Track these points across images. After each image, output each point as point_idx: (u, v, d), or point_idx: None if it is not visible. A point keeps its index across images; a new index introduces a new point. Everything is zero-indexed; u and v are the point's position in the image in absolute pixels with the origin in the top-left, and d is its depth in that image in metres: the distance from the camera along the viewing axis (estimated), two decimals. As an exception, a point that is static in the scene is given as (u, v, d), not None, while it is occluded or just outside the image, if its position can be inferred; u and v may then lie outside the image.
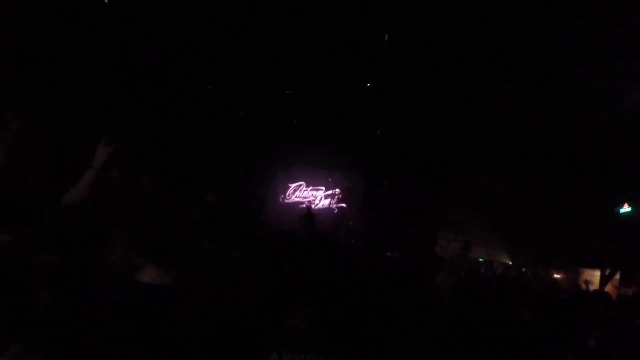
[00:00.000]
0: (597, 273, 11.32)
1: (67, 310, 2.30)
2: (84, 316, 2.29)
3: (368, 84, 11.56)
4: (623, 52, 7.64)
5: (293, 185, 25.06)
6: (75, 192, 3.02)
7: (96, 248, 2.92)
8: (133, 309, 2.25)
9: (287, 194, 25.12)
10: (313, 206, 23.27)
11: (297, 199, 24.93)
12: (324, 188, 24.69)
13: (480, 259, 12.08)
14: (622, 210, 11.34)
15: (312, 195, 24.75)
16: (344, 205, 24.33)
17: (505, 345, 3.47)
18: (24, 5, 8.54)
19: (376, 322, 3.17)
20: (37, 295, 2.28)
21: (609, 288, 10.82)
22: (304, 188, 25.01)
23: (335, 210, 24.38)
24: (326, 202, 24.45)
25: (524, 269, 7.98)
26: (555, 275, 11.61)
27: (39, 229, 2.60)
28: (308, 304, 2.76)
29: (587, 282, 9.42)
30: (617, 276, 10.99)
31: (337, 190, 24.54)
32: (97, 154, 3.25)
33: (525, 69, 9.02)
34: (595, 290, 8.39)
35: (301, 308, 2.71)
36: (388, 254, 11.23)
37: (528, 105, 10.07)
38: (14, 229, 2.59)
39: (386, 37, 9.63)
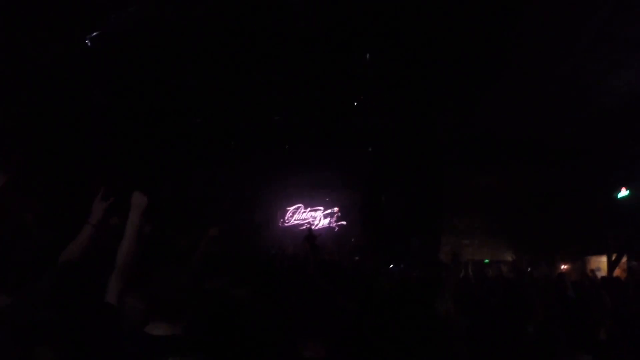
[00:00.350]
0: (604, 259, 11.34)
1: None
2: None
3: (355, 103, 11.63)
4: (605, 37, 7.73)
5: (291, 208, 25.05)
6: (73, 248, 3.01)
7: (99, 301, 2.90)
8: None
9: (286, 217, 25.09)
10: (313, 227, 23.23)
11: (296, 222, 24.90)
12: (322, 208, 24.69)
13: (486, 260, 12.06)
14: (620, 195, 11.40)
15: (311, 216, 24.71)
16: (344, 222, 24.33)
17: (516, 348, 3.46)
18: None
19: (388, 346, 3.17)
20: (41, 355, 2.27)
21: (617, 272, 10.84)
22: (302, 210, 24.99)
23: (336, 229, 24.36)
24: (326, 221, 24.41)
25: (529, 269, 7.92)
26: (562, 267, 11.61)
27: (40, 286, 2.59)
28: (321, 334, 2.74)
29: (593, 272, 9.40)
30: (624, 259, 11.02)
31: (336, 209, 24.53)
32: (94, 209, 3.22)
33: (511, 65, 9.07)
34: (603, 278, 8.37)
35: (315, 338, 2.69)
36: (392, 267, 11.21)
37: (518, 99, 10.13)
38: (14, 287, 2.58)
39: (367, 55, 9.73)
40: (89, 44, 10.01)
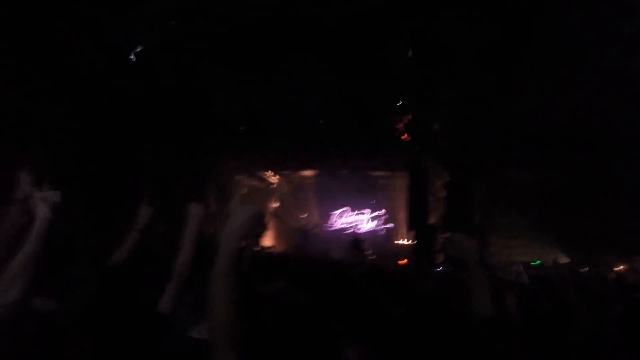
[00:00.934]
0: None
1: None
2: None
3: (399, 102, 11.54)
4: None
5: (337, 212, 25.04)
6: (121, 254, 3.07)
7: (148, 306, 2.95)
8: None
9: (331, 222, 25.08)
10: (359, 230, 23.18)
11: (342, 225, 24.87)
12: (369, 211, 24.60)
13: (536, 262, 11.71)
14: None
15: (358, 220, 24.65)
16: (391, 225, 24.15)
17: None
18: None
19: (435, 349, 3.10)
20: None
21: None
22: (349, 213, 24.95)
23: (383, 232, 24.20)
24: (373, 224, 24.33)
25: (586, 268, 7.64)
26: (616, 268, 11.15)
27: (88, 292, 2.64)
28: (365, 338, 2.71)
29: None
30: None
31: (383, 211, 24.40)
32: (140, 214, 3.27)
33: (548, 59, 8.84)
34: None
35: (358, 343, 2.66)
36: (437, 269, 11.02)
37: (558, 95, 9.85)
38: (61, 293, 2.64)
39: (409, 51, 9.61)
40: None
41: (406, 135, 13.78)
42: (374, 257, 12.58)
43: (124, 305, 2.67)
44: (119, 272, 2.91)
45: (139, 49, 9.26)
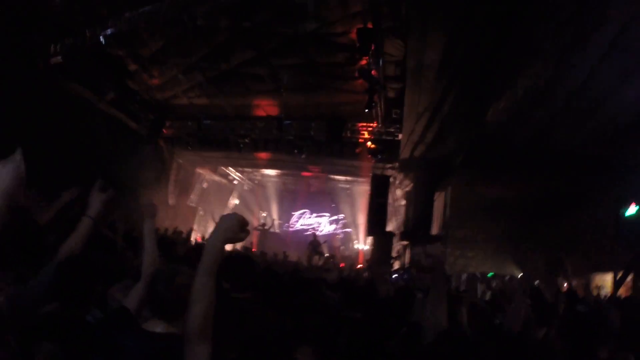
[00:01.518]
0: (609, 277, 11.17)
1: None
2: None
3: (366, 110, 11.62)
4: (617, 47, 7.67)
5: (297, 213, 25.15)
6: (74, 241, 2.99)
7: (100, 296, 2.93)
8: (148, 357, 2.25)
9: (291, 222, 25.18)
10: (318, 232, 23.30)
11: (301, 226, 24.99)
12: (328, 214, 24.78)
13: (491, 274, 11.97)
14: (628, 212, 11.24)
15: (317, 222, 24.81)
16: (349, 230, 24.40)
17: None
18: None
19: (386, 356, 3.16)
20: (42, 349, 2.28)
21: (622, 291, 10.66)
22: (308, 215, 25.09)
23: (341, 235, 24.43)
24: (331, 227, 24.52)
25: (536, 282, 7.85)
26: (572, 283, 11.45)
27: (42, 280, 2.59)
28: (315, 340, 2.74)
29: (599, 288, 9.27)
30: (630, 278, 10.81)
31: (342, 216, 24.62)
32: (91, 201, 3.18)
33: (522, 73, 9.02)
34: (609, 298, 8.26)
35: (308, 344, 2.69)
36: (396, 277, 11.19)
37: (525, 109, 10.06)
38: (16, 280, 2.59)
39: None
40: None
41: (370, 143, 13.91)
42: (331, 260, 12.69)
43: (80, 293, 2.66)
44: (74, 259, 2.86)
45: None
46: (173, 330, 2.31)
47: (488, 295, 7.79)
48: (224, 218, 2.04)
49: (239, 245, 8.87)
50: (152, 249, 3.03)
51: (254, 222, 23.46)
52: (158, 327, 2.36)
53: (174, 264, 3.18)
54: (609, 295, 9.42)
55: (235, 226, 1.99)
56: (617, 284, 11.16)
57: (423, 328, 3.24)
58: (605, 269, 11.19)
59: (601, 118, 9.79)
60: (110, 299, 3.06)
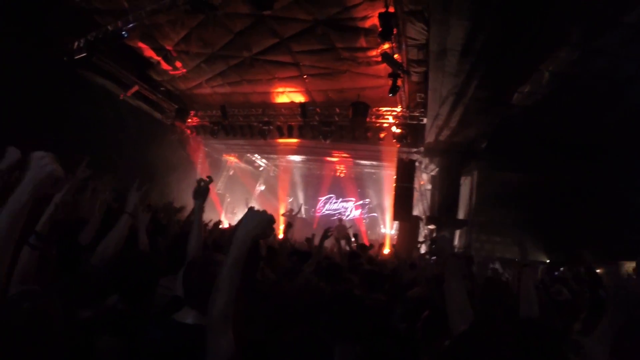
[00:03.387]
0: (634, 265, 10.94)
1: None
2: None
3: (390, 94, 11.50)
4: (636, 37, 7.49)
5: (323, 198, 25.16)
6: (114, 237, 3.03)
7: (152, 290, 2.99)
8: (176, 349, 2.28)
9: (317, 207, 25.22)
10: (344, 217, 23.30)
11: (328, 212, 25.01)
12: (354, 199, 24.73)
13: (517, 259, 11.84)
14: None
15: (343, 207, 24.80)
16: (375, 214, 24.33)
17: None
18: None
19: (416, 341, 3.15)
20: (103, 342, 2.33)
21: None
22: (334, 200, 25.08)
23: (367, 220, 24.39)
24: (357, 212, 24.49)
25: (562, 269, 7.74)
26: (597, 270, 11.24)
27: (88, 275, 2.66)
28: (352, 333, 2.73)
29: (629, 274, 9.08)
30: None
31: (368, 200, 24.56)
32: (129, 198, 3.27)
33: (546, 58, 8.85)
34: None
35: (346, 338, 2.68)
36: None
37: (551, 93, 9.89)
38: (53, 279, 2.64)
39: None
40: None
41: (395, 128, 13.80)
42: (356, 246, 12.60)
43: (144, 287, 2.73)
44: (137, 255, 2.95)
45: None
46: (203, 321, 2.32)
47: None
48: (252, 214, 2.11)
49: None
50: (199, 235, 3.13)
51: (280, 208, 23.62)
52: (189, 317, 2.39)
53: (207, 251, 3.22)
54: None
55: (264, 224, 2.09)
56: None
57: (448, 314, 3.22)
58: (633, 257, 10.97)
59: (627, 105, 9.56)
60: (162, 289, 3.11)
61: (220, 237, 6.28)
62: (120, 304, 2.69)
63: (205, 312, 2.09)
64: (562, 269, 8.40)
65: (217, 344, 1.95)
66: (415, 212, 16.74)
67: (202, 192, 3.32)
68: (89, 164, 3.59)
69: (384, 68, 10.87)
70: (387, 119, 14.08)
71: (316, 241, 6.23)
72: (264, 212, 2.13)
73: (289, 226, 9.67)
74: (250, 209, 2.14)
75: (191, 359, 2.13)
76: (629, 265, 10.66)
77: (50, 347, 1.74)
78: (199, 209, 3.28)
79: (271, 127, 15.44)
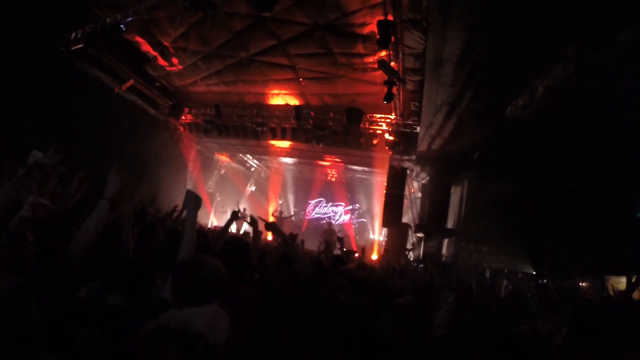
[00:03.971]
0: (623, 280, 10.96)
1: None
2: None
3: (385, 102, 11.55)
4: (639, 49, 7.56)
5: (313, 202, 25.19)
6: (93, 223, 2.96)
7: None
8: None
9: (307, 210, 25.23)
10: (333, 222, 23.33)
11: (317, 215, 25.03)
12: (343, 204, 24.77)
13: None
14: (641, 214, 11.11)
15: (332, 211, 24.83)
16: (364, 220, 24.38)
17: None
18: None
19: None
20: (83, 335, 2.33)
21: (636, 295, 10.52)
22: (324, 204, 25.11)
23: (356, 225, 24.44)
24: (346, 217, 24.52)
25: (545, 280, 7.81)
26: (580, 284, 11.36)
27: (62, 262, 2.64)
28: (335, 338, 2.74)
29: (614, 290, 9.14)
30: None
31: (357, 206, 24.61)
32: (108, 183, 3.17)
33: (541, 72, 8.92)
34: (620, 292, 8.14)
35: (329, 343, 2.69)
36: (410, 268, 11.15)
37: (544, 110, 9.98)
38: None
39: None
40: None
41: (388, 135, 13.87)
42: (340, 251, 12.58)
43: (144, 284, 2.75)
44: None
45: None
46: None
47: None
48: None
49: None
50: (191, 239, 3.15)
51: (270, 209, 23.62)
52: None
53: (199, 253, 3.20)
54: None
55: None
56: (630, 287, 11.01)
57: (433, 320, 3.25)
58: (619, 272, 11.06)
59: (620, 120, 9.65)
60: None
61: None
62: (118, 299, 2.70)
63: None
64: (545, 280, 8.47)
65: None
66: (405, 220, 16.82)
67: (194, 201, 3.31)
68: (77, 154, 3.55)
69: (380, 75, 10.90)
70: (381, 125, 14.14)
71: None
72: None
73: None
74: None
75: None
76: (615, 280, 10.74)
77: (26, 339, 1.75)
78: (193, 217, 3.28)
79: (264, 129, 15.44)
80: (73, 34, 11.11)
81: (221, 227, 9.71)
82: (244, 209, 20.87)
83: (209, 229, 14.21)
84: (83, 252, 2.72)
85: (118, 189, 3.16)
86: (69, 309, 2.53)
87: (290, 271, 4.45)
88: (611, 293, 8.21)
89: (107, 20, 10.76)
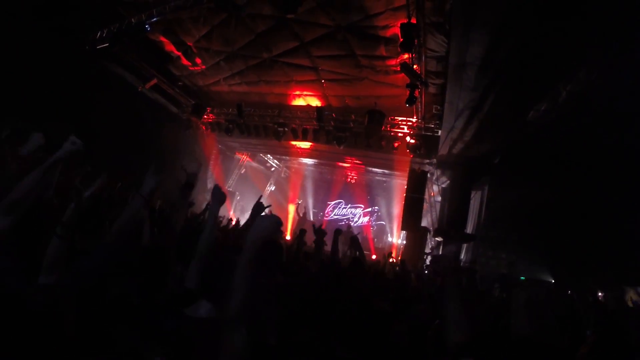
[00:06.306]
0: None
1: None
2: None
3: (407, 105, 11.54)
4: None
5: (332, 203, 25.22)
6: (127, 218, 3.01)
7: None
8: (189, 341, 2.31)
9: (326, 211, 25.27)
10: (352, 223, 23.31)
11: (336, 216, 25.05)
12: (362, 206, 24.76)
13: (522, 277, 11.79)
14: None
15: (351, 213, 24.83)
16: (383, 222, 24.33)
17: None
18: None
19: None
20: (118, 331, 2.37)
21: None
22: (343, 205, 25.12)
23: (375, 228, 24.41)
24: (365, 219, 24.51)
25: (569, 292, 7.70)
26: (599, 294, 11.20)
27: (99, 255, 2.68)
28: (354, 333, 2.76)
29: (633, 300, 9.03)
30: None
31: (376, 208, 24.58)
32: (145, 181, 3.23)
33: (564, 77, 8.82)
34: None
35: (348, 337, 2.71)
36: (426, 272, 11.10)
37: (568, 112, 9.87)
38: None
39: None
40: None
41: (410, 138, 13.82)
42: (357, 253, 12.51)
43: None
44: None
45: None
46: (215, 314, 2.38)
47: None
48: (263, 218, 2.28)
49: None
50: (211, 233, 3.18)
51: (289, 209, 23.71)
52: (202, 309, 2.45)
53: (228, 252, 3.24)
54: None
55: (273, 227, 2.24)
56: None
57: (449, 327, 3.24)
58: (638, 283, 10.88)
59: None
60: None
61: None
62: (134, 297, 2.73)
63: (220, 307, 2.14)
64: (569, 292, 8.36)
65: (232, 340, 2.05)
66: (424, 223, 16.73)
67: (219, 197, 3.39)
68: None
69: (402, 78, 10.87)
70: (402, 128, 14.09)
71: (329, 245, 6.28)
72: (273, 216, 2.27)
73: (302, 233, 9.54)
74: (263, 216, 2.32)
75: (204, 352, 2.18)
76: (635, 293, 10.60)
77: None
78: (216, 210, 3.37)
79: (286, 129, 15.51)
80: (98, 33, 11.31)
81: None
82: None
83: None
84: (119, 247, 2.77)
85: (155, 187, 3.23)
86: (103, 305, 2.56)
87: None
88: (630, 304, 8.12)
89: (132, 20, 10.94)
